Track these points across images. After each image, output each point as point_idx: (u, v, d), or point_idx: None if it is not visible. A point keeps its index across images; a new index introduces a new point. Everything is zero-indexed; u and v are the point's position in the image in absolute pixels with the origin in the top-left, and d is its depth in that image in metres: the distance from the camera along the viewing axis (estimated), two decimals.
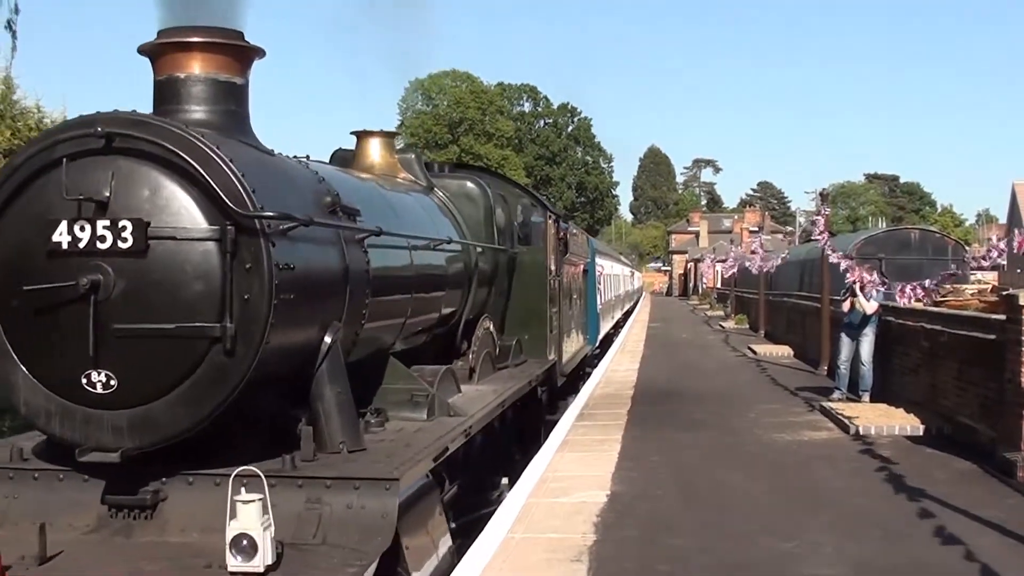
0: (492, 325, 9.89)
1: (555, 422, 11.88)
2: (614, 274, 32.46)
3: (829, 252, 15.54)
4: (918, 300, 12.54)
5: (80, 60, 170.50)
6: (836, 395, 13.27)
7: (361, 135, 9.25)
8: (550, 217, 12.32)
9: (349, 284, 6.16)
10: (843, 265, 13.87)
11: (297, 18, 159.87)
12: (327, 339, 5.83)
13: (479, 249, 9.66)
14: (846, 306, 13.28)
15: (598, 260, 22.75)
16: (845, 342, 13.33)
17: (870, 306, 13.01)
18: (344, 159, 9.07)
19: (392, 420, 6.66)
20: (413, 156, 9.68)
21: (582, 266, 17.20)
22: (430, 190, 9.44)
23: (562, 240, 13.07)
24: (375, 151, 9.17)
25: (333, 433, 5.64)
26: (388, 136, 9.49)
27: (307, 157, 6.91)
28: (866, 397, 12.96)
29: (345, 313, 6.14)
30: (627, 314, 40.52)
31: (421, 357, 8.12)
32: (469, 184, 10.24)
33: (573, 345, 14.76)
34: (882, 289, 13.45)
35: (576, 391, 15.41)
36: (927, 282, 12.48)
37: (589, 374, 17.96)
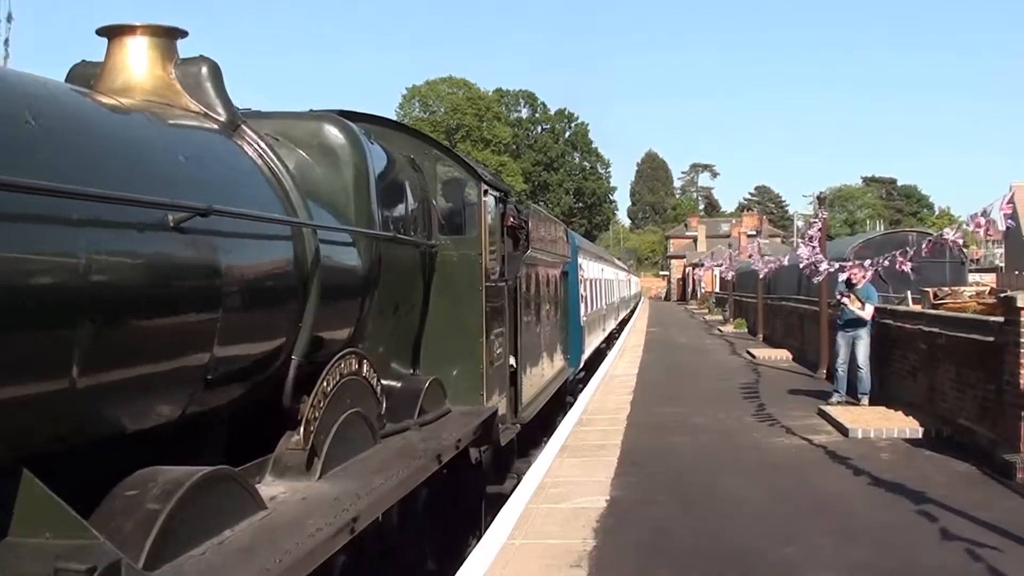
0: (368, 365, 5.84)
1: (504, 496, 8.58)
2: (605, 278, 28.08)
3: (825, 267, 15.35)
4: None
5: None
6: (835, 398, 13.26)
7: (114, 35, 5.23)
8: (487, 192, 8.59)
9: None
10: (832, 266, 13.90)
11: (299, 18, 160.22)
12: None
13: (348, 238, 6.11)
14: (846, 301, 13.26)
15: (583, 261, 19.70)
16: (842, 343, 13.33)
17: (866, 311, 13.02)
18: (85, 76, 5.24)
19: None
20: (206, 70, 5.37)
21: (559, 268, 14.44)
22: (234, 129, 5.36)
23: (514, 228, 9.79)
24: (136, 61, 5.20)
25: None
26: (160, 35, 5.29)
27: None
28: (865, 400, 12.94)
29: None
30: (623, 323, 37.98)
31: (206, 435, 4.86)
32: (328, 130, 6.36)
33: (543, 374, 11.88)
34: (867, 279, 13.34)
35: (549, 432, 12.22)
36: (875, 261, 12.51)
37: (570, 404, 14.75)
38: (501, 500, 8.41)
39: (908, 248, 11.97)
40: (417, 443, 6.33)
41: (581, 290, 18.18)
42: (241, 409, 5.06)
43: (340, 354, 5.54)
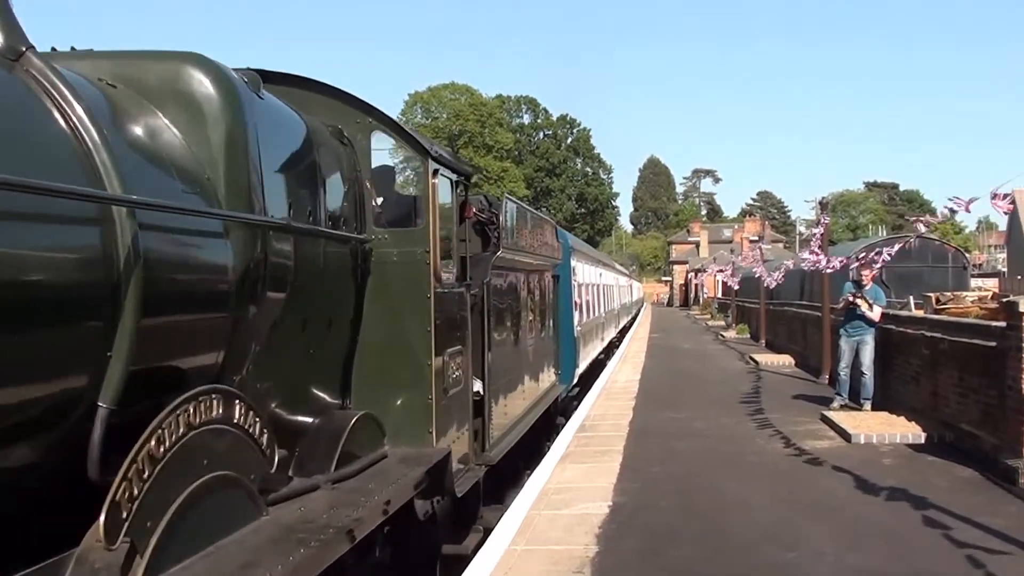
0: (244, 406, 4.25)
1: (466, 559, 7.06)
2: (604, 284, 26.01)
3: (835, 263, 15.40)
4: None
5: None
6: (837, 402, 13.24)
7: None
8: (438, 173, 6.73)
9: None
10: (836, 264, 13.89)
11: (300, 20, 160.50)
12: None
13: (215, 226, 4.49)
14: (858, 302, 13.21)
15: (577, 263, 17.75)
16: (845, 347, 13.31)
17: (875, 313, 12.97)
18: None
19: None
20: None
21: (547, 272, 12.60)
22: (15, 59, 3.70)
23: (482, 223, 8.50)
24: None
25: None
26: None
27: None
28: (868, 405, 12.93)
29: None
30: (624, 331, 36.50)
31: None
32: (190, 76, 4.63)
33: (522, 398, 10.11)
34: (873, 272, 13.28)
35: (533, 464, 10.42)
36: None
37: (561, 425, 13.15)
38: (464, 562, 6.91)
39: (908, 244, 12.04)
40: (321, 512, 4.65)
41: (575, 296, 16.47)
42: (33, 485, 3.48)
43: (189, 394, 3.79)
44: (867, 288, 13.11)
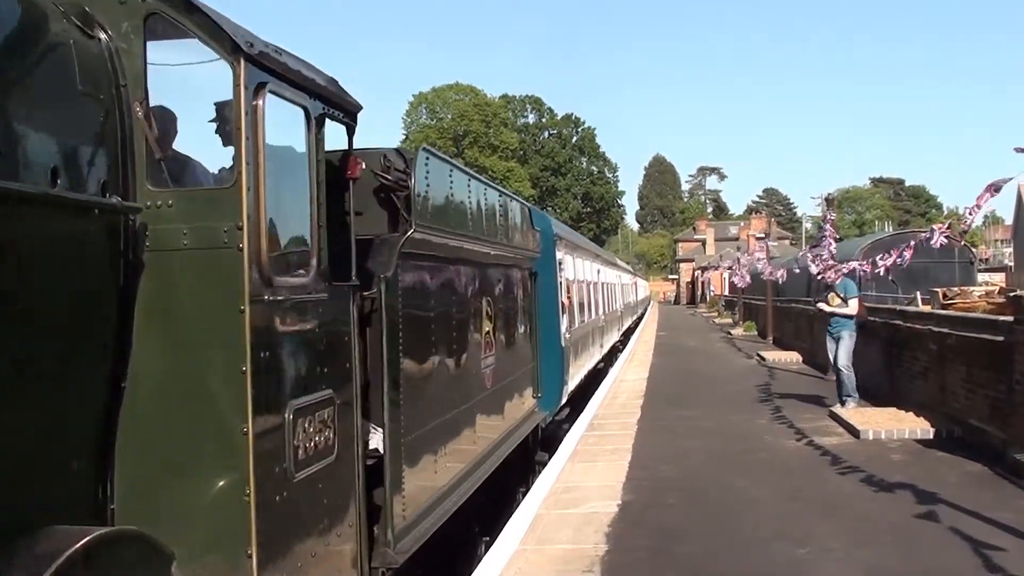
0: None
1: None
2: (603, 282, 22.93)
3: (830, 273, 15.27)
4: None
5: None
6: (850, 404, 12.91)
7: None
8: (266, 88, 4.06)
9: None
10: (815, 268, 13.76)
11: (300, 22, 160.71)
12: None
13: None
14: (822, 306, 13.18)
15: (566, 256, 14.73)
16: (829, 346, 13.20)
17: (851, 306, 12.77)
18: None
19: None
20: None
21: (521, 267, 9.98)
22: None
23: (385, 187, 6.02)
24: None
25: None
26: None
27: None
28: (851, 404, 12.68)
29: None
30: (629, 332, 34.42)
31: None
32: None
33: (472, 445, 7.26)
34: (845, 271, 13.05)
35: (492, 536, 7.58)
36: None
37: (546, 461, 10.50)
38: None
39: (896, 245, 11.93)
40: None
41: (563, 297, 13.52)
42: None
43: None
44: (837, 283, 13.04)
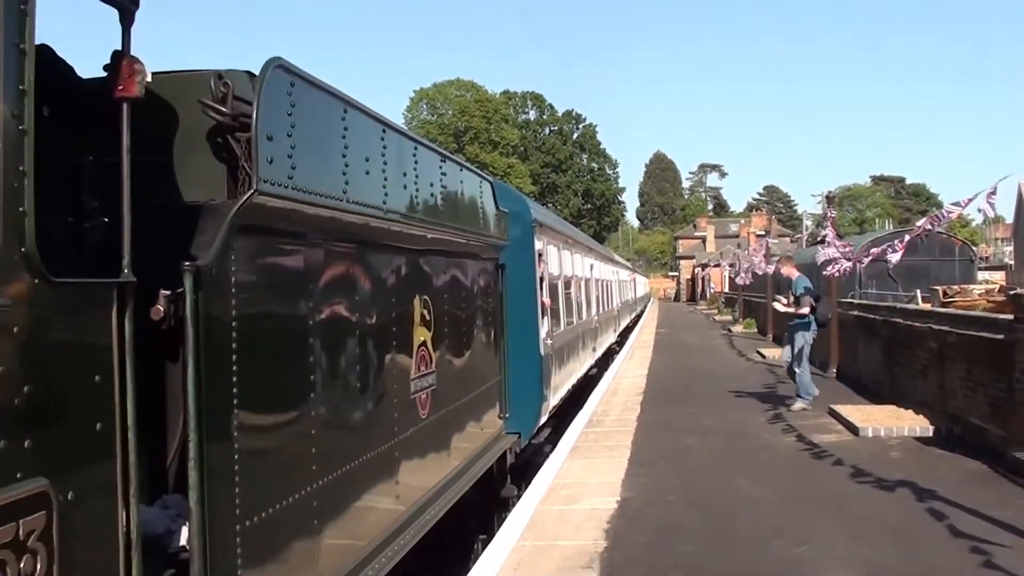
0: None
1: None
2: (597, 278, 20.78)
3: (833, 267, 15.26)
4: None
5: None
6: (799, 403, 12.84)
7: None
8: None
9: None
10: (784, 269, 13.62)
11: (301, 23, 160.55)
12: None
13: None
14: (776, 305, 13.06)
15: (547, 246, 12.48)
16: (786, 347, 13.11)
17: (802, 306, 12.61)
18: None
19: None
20: None
21: (482, 259, 8.07)
22: None
23: (222, 127, 3.72)
24: None
25: None
26: None
27: None
28: (797, 404, 12.67)
29: None
30: (627, 332, 33.40)
31: None
32: None
33: (377, 509, 5.03)
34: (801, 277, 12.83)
35: None
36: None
37: (514, 497, 8.92)
38: None
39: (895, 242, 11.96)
40: None
41: (542, 295, 11.53)
42: None
43: None
44: (794, 280, 12.98)
